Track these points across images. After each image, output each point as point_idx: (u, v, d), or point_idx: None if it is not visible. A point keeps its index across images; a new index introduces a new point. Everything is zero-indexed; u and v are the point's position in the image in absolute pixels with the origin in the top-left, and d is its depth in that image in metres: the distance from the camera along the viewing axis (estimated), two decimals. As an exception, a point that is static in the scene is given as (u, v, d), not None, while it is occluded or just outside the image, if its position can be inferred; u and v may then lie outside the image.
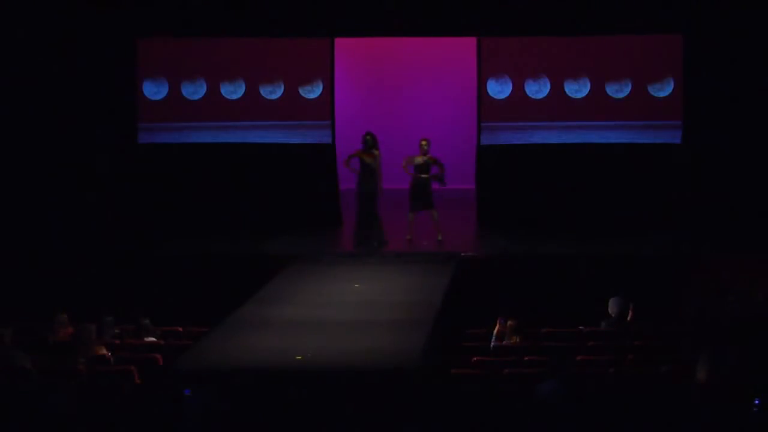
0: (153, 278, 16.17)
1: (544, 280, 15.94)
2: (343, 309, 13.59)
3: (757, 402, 10.25)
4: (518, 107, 18.59)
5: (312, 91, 18.85)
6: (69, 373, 11.75)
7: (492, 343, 13.28)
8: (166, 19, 18.50)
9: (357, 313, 13.38)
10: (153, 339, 13.46)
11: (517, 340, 13.28)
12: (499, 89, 18.63)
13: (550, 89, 18.53)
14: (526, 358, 12.31)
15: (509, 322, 13.36)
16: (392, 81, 21.52)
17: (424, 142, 17.09)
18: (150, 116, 18.98)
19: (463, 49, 19.73)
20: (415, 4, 18.22)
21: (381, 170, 16.89)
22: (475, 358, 12.40)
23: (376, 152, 16.85)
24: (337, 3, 18.32)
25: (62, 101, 18.55)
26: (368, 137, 16.84)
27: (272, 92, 18.88)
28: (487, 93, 18.64)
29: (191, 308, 14.90)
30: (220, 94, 18.90)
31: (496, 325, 13.38)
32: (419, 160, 17.15)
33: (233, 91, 18.90)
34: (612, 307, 13.88)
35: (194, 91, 18.91)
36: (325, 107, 18.83)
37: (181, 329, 13.90)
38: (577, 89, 18.50)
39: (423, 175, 17.15)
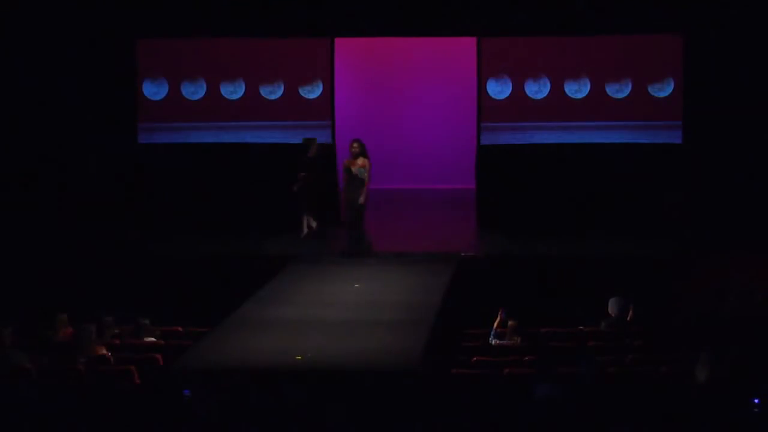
0: (153, 278, 16.17)
1: (544, 280, 15.94)
2: (343, 309, 13.60)
3: (757, 402, 10.26)
4: (518, 107, 18.59)
5: (312, 91, 18.85)
6: (69, 373, 11.76)
7: (492, 337, 13.31)
8: (166, 19, 18.49)
9: (357, 313, 13.39)
10: (153, 339, 13.46)
11: (518, 340, 13.30)
12: (499, 89, 18.62)
13: (550, 89, 18.52)
14: (526, 358, 12.32)
15: (510, 323, 13.38)
16: (392, 81, 21.51)
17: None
18: (150, 116, 18.98)
19: (463, 49, 19.72)
20: (415, 4, 18.21)
21: (369, 178, 16.34)
22: (475, 358, 12.41)
23: (361, 160, 16.28)
24: (337, 3, 18.31)
25: (62, 101, 18.55)
26: (354, 144, 16.34)
27: (272, 92, 18.88)
28: (487, 93, 18.63)
29: (191, 308, 14.91)
30: (220, 94, 18.90)
31: (497, 318, 13.41)
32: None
33: (233, 91, 18.90)
34: (612, 307, 13.89)
35: (194, 91, 18.92)
36: (325, 107, 18.83)
37: (181, 329, 13.90)
38: (577, 89, 18.49)
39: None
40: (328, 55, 18.79)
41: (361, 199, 16.14)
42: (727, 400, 10.45)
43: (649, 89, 18.38)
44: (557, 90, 18.50)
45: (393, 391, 10.73)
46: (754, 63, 17.88)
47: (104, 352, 12.54)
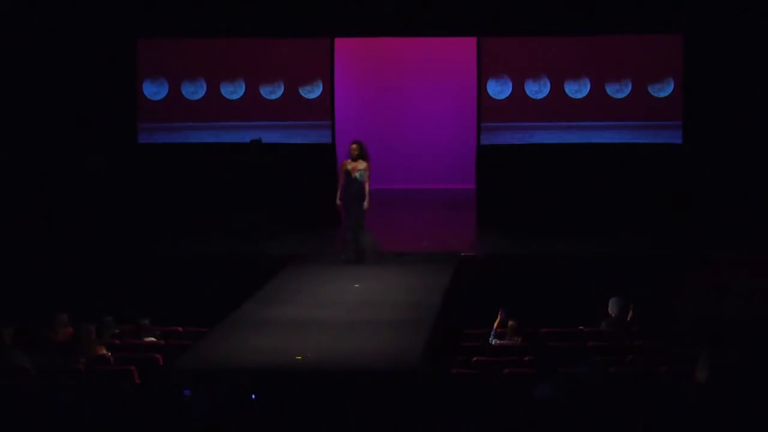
0: (153, 278, 16.17)
1: (544, 280, 15.94)
2: (343, 309, 13.59)
3: None
4: (518, 107, 18.58)
5: (312, 91, 18.84)
6: (69, 373, 11.76)
7: (492, 337, 13.31)
8: (166, 19, 18.49)
9: (357, 313, 13.38)
10: (153, 339, 13.46)
11: (518, 340, 13.29)
12: (499, 89, 18.62)
13: (550, 89, 18.52)
14: (526, 358, 12.32)
15: (510, 323, 13.37)
16: (392, 81, 21.50)
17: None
18: (150, 116, 18.98)
19: (463, 49, 19.72)
20: (415, 4, 18.21)
21: (369, 182, 15.75)
22: (475, 358, 12.41)
23: (361, 163, 15.69)
24: (337, 3, 18.31)
25: (62, 101, 18.55)
26: (353, 146, 15.79)
27: (272, 92, 18.88)
28: (487, 93, 18.63)
29: (191, 308, 14.91)
30: (220, 94, 18.90)
31: (497, 318, 13.41)
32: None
33: (233, 91, 18.90)
34: (612, 307, 13.88)
35: (194, 91, 18.92)
36: (325, 107, 18.83)
37: (181, 329, 13.90)
38: (577, 89, 18.49)
39: None
40: (328, 55, 18.79)
41: (365, 204, 15.64)
42: (727, 400, 10.45)
43: (649, 89, 18.38)
44: (557, 90, 18.50)
45: (393, 392, 10.73)
46: (754, 63, 17.88)
47: (104, 352, 12.54)
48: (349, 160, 15.80)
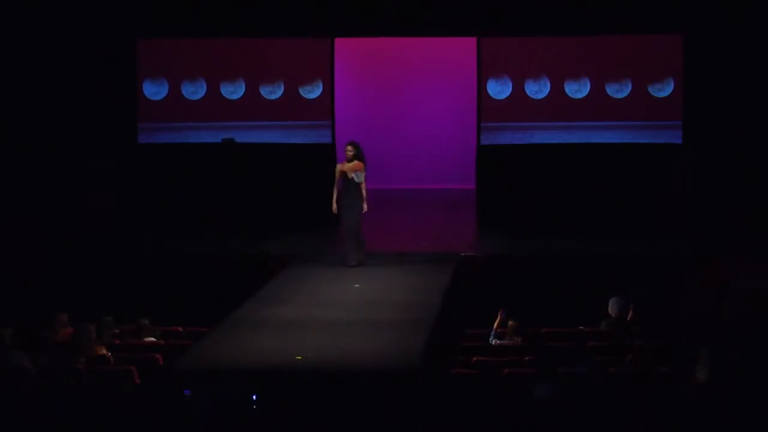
0: (153, 278, 16.17)
1: (544, 280, 15.94)
2: (343, 309, 13.59)
3: None
4: (518, 107, 18.59)
5: (312, 91, 18.85)
6: (69, 373, 11.76)
7: (492, 337, 13.31)
8: (166, 19, 18.50)
9: (357, 313, 13.38)
10: (153, 339, 13.47)
11: (518, 340, 13.30)
12: (499, 89, 18.63)
13: (550, 89, 18.53)
14: (526, 358, 12.32)
15: (510, 323, 13.38)
16: (392, 81, 21.51)
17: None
18: (150, 116, 18.99)
19: (463, 49, 19.73)
20: (415, 4, 18.22)
21: (365, 184, 15.35)
22: (475, 358, 12.41)
23: (357, 164, 15.35)
24: (337, 3, 18.32)
25: (62, 101, 18.55)
26: (349, 147, 15.43)
27: (272, 92, 18.89)
28: (487, 93, 18.64)
29: (191, 308, 14.91)
30: (220, 94, 18.91)
31: (497, 318, 13.41)
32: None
33: (233, 91, 18.90)
34: (612, 307, 13.89)
35: (194, 91, 18.92)
36: (325, 107, 18.83)
37: (181, 329, 13.90)
38: (577, 89, 18.50)
39: None
40: (328, 55, 18.80)
41: (365, 206, 15.35)
42: (727, 400, 10.45)
43: (649, 89, 18.39)
44: (557, 90, 18.50)
45: (392, 392, 10.73)
46: (754, 63, 17.88)
47: (104, 352, 12.54)
48: (345, 162, 15.47)
